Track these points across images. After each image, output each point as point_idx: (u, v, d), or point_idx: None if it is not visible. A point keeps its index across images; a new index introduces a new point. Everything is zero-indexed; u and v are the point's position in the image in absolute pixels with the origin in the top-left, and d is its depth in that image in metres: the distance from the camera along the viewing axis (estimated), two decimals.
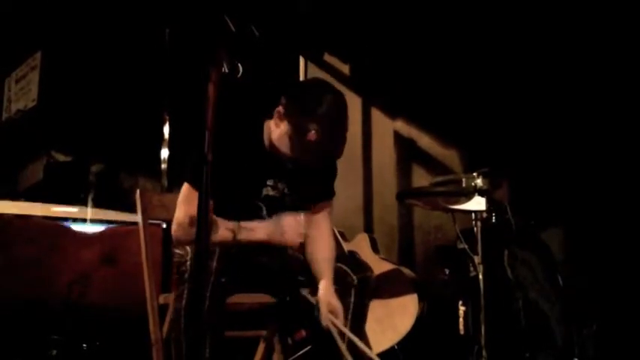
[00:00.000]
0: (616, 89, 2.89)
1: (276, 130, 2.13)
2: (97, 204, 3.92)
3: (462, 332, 2.93)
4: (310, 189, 2.27)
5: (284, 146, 2.11)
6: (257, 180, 2.18)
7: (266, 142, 2.19)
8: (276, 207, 2.19)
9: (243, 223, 2.08)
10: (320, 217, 2.34)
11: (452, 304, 3.02)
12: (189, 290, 2.08)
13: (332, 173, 2.35)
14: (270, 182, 2.19)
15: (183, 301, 2.09)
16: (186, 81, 3.60)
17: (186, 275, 2.13)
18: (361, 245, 3.45)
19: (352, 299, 2.22)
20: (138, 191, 2.47)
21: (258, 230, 2.10)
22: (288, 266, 2.37)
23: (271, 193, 2.20)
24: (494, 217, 2.83)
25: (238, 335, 2.52)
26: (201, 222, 1.52)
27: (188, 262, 2.14)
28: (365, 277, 2.25)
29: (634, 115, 2.82)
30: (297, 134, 2.05)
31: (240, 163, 2.13)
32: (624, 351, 2.66)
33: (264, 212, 2.19)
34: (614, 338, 2.70)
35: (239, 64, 1.91)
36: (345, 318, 2.19)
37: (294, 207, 2.21)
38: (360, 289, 2.23)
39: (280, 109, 2.10)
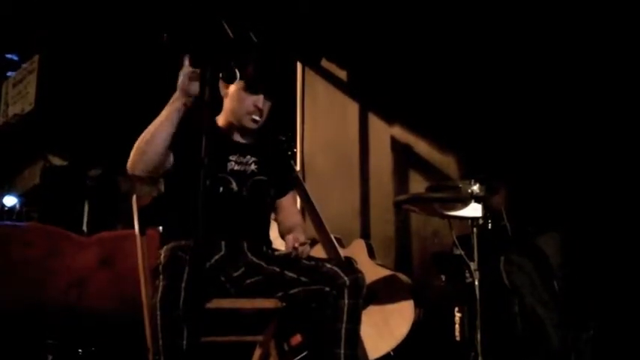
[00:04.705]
0: (611, 95, 2.90)
1: (226, 104, 2.50)
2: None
3: (458, 338, 2.93)
4: (271, 171, 2.55)
5: (235, 113, 2.47)
6: (220, 156, 2.44)
7: (222, 126, 2.53)
8: (244, 180, 2.46)
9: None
10: (284, 200, 2.63)
11: (448, 310, 3.02)
12: (164, 284, 2.04)
13: (290, 167, 2.75)
14: (233, 157, 2.47)
15: (159, 295, 2.04)
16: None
17: (160, 268, 2.09)
18: (358, 251, 3.45)
19: (346, 300, 2.24)
20: (134, 196, 2.48)
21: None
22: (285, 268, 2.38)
23: (236, 167, 2.47)
24: (490, 224, 2.83)
25: (234, 340, 2.52)
26: (201, 220, 1.53)
27: (162, 255, 2.11)
28: (356, 278, 2.27)
29: (630, 121, 2.83)
30: (242, 78, 2.40)
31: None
32: (621, 356, 2.66)
33: (234, 185, 2.44)
34: (610, 343, 2.70)
35: (236, 69, 1.92)
36: (341, 320, 2.22)
37: (260, 182, 2.51)
38: (353, 289, 2.25)
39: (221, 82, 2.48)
